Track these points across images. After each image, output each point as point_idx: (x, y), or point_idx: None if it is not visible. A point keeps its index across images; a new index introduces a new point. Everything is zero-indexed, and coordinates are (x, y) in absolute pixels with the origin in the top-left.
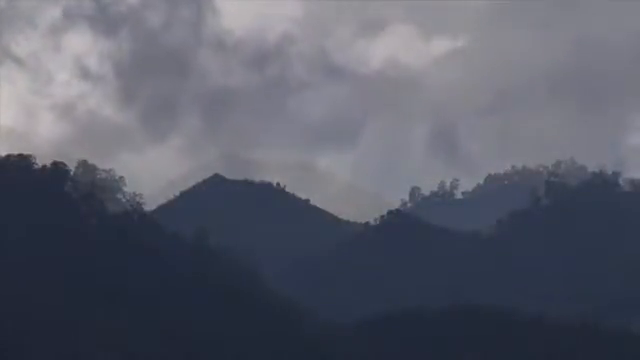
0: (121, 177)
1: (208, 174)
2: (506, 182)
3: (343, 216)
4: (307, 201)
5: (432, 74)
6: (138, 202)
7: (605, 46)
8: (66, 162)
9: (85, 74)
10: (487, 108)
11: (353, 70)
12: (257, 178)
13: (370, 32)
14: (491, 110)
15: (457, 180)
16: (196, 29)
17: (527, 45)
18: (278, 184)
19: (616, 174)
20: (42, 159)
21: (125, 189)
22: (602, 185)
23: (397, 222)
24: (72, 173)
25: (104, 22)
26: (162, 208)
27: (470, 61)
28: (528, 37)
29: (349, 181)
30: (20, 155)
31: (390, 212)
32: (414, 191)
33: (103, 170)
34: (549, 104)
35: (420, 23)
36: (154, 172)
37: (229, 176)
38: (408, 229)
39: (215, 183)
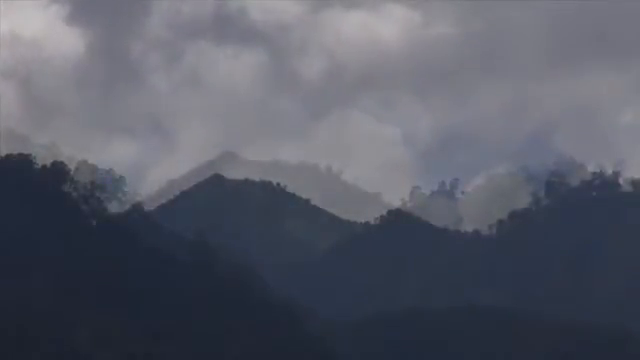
0: (121, 177)
1: (208, 174)
2: (506, 182)
3: (343, 216)
4: (307, 201)
5: (431, 64)
6: (138, 202)
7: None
8: (66, 162)
9: None
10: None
11: (350, 65)
12: (257, 178)
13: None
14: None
15: (457, 180)
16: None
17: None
18: (278, 184)
19: (616, 174)
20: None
21: (125, 189)
22: (602, 185)
23: (397, 222)
24: (72, 173)
25: None
26: (162, 208)
27: (467, 49)
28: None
29: (349, 181)
30: (20, 155)
31: (390, 212)
32: (414, 191)
33: (103, 170)
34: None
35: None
36: (154, 172)
37: (229, 176)
38: (408, 229)
39: (215, 183)
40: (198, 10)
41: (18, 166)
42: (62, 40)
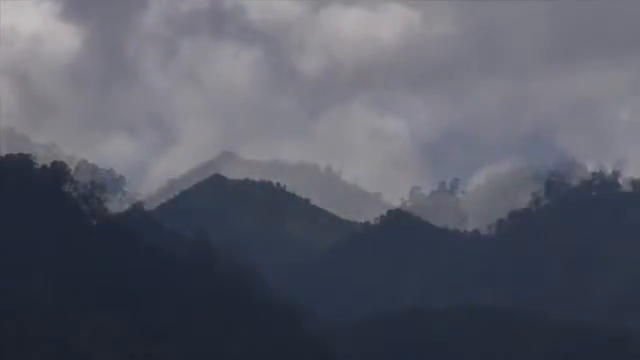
0: (121, 177)
1: (208, 174)
2: (506, 182)
3: (343, 216)
4: (307, 201)
5: (430, 63)
6: (138, 202)
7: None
8: (66, 162)
9: None
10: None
11: (350, 64)
12: (257, 178)
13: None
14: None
15: (457, 180)
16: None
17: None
18: (278, 184)
19: (616, 174)
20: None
21: (125, 189)
22: (602, 185)
23: (397, 222)
24: (72, 173)
25: None
26: (162, 208)
27: (466, 48)
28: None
29: (349, 181)
30: (20, 155)
31: (390, 212)
32: (414, 191)
33: (103, 170)
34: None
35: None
36: (154, 172)
37: (229, 176)
38: (408, 229)
39: (215, 183)
40: (196, 8)
41: (18, 166)
42: (58, 38)
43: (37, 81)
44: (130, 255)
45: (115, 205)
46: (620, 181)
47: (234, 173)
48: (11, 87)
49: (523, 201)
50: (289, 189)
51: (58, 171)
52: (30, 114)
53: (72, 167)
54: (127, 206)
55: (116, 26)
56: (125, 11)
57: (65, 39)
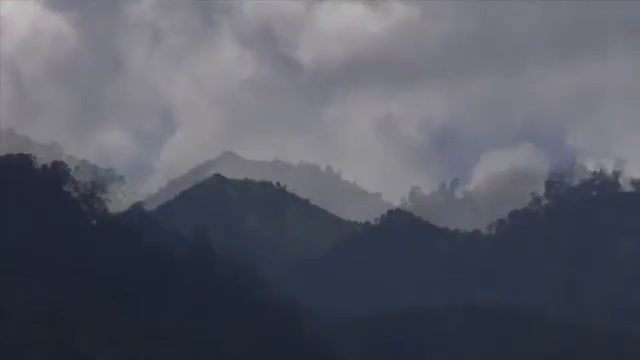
0: (121, 177)
1: (208, 174)
2: (506, 182)
3: (343, 216)
4: (307, 201)
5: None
6: (138, 202)
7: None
8: (66, 162)
9: None
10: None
11: (349, 67)
12: (257, 178)
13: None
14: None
15: (457, 180)
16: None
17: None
18: (278, 184)
19: (616, 174)
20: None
21: (125, 189)
22: (602, 185)
23: (397, 222)
24: (72, 173)
25: None
26: (162, 208)
27: (465, 46)
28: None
29: (349, 181)
30: (20, 155)
31: (390, 212)
32: (414, 191)
33: (103, 170)
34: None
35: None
36: (154, 172)
37: (229, 176)
38: (408, 229)
39: (215, 183)
40: (194, 10)
41: (18, 166)
42: (53, 35)
43: (34, 79)
44: (130, 255)
45: (115, 205)
46: (620, 181)
47: (234, 173)
48: (5, 84)
49: (523, 201)
50: (289, 189)
51: (58, 171)
52: (25, 112)
53: (72, 167)
54: (127, 206)
55: (115, 24)
56: (124, 10)
57: (60, 36)
